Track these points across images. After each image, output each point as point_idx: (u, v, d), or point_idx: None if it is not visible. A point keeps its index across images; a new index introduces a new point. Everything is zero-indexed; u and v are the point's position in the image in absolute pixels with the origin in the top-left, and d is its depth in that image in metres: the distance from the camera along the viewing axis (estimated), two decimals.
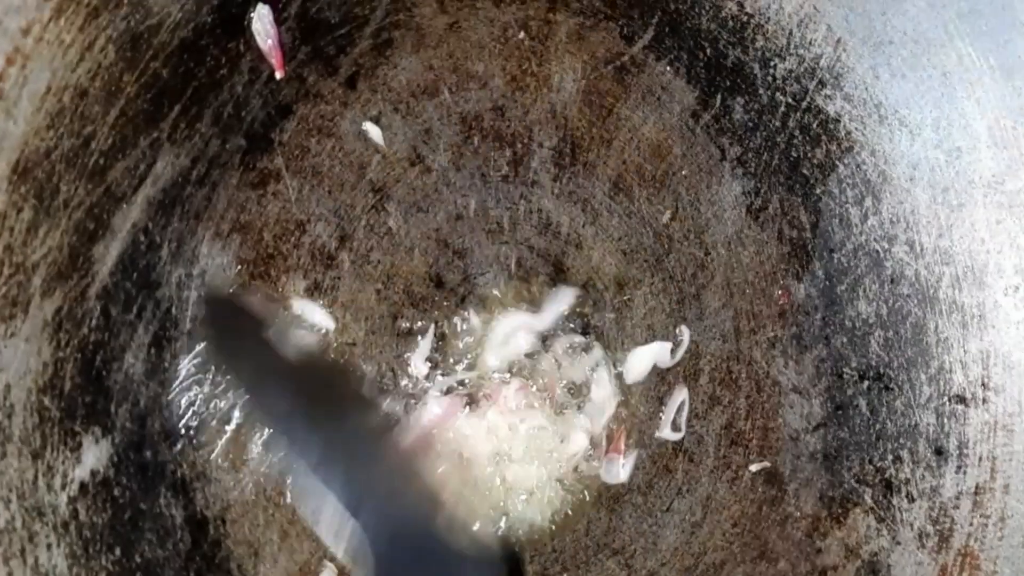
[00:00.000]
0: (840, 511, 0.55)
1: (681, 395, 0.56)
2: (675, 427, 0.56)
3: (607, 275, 0.56)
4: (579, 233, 0.56)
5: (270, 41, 0.48)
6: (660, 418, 0.56)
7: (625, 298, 0.56)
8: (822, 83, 0.55)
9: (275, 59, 0.49)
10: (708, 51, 0.56)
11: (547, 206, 0.56)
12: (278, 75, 0.50)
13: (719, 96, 0.56)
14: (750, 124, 0.56)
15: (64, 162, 0.39)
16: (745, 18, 0.55)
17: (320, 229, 0.54)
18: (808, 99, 0.55)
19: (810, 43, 0.55)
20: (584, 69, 0.56)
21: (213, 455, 0.49)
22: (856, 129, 0.55)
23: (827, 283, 0.56)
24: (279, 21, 0.48)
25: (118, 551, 0.42)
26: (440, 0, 0.53)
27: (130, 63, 0.40)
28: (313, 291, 0.54)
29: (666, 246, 0.57)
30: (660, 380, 0.56)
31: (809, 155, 0.56)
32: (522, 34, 0.55)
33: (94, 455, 0.42)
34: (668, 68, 0.56)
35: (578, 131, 0.56)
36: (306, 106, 0.52)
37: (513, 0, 0.54)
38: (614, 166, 0.56)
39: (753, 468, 0.55)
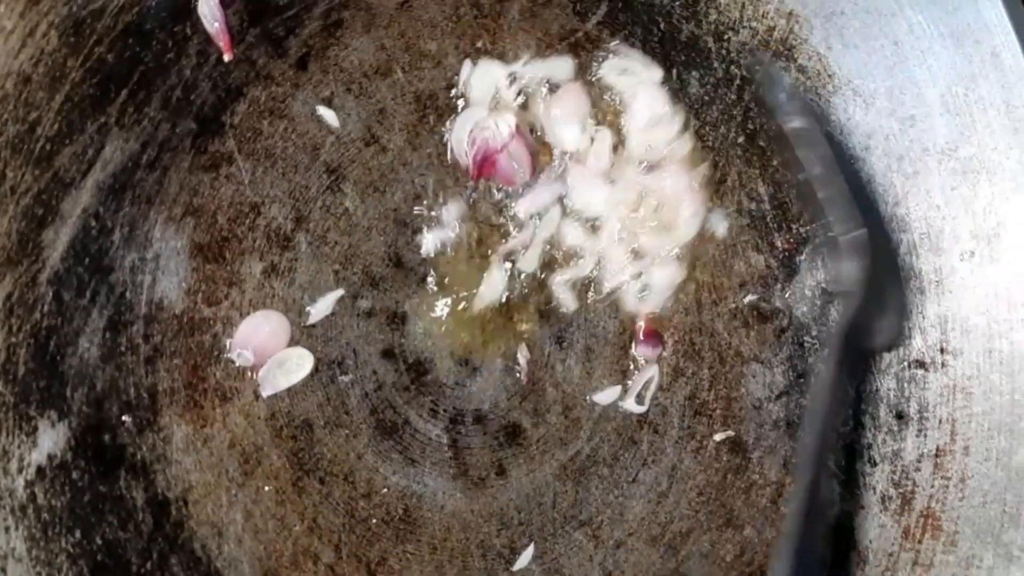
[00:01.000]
0: None
1: (650, 371, 0.56)
2: (639, 400, 0.56)
3: None
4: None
5: (217, 24, 0.48)
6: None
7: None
8: (776, 55, 0.55)
9: (223, 42, 0.49)
10: (662, 25, 0.56)
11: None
12: (226, 58, 0.50)
13: (674, 70, 0.56)
14: (706, 98, 0.56)
15: (9, 148, 0.39)
16: None
17: (275, 211, 0.54)
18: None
19: (763, 15, 0.55)
20: (538, 46, 0.56)
21: (173, 436, 0.50)
22: (811, 100, 0.55)
23: (786, 254, 0.56)
24: (226, 3, 0.48)
25: (78, 533, 0.42)
26: None
27: (73, 48, 0.40)
28: (270, 273, 0.54)
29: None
30: (623, 354, 0.56)
31: (765, 127, 0.56)
32: (474, 12, 0.55)
33: (50, 439, 0.42)
34: (623, 43, 0.56)
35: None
36: (257, 88, 0.52)
37: None
38: None
39: (717, 438, 0.55)
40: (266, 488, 0.52)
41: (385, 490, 0.55)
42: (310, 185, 0.55)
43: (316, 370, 0.54)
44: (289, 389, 0.54)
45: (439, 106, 0.55)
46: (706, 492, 0.56)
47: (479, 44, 0.55)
